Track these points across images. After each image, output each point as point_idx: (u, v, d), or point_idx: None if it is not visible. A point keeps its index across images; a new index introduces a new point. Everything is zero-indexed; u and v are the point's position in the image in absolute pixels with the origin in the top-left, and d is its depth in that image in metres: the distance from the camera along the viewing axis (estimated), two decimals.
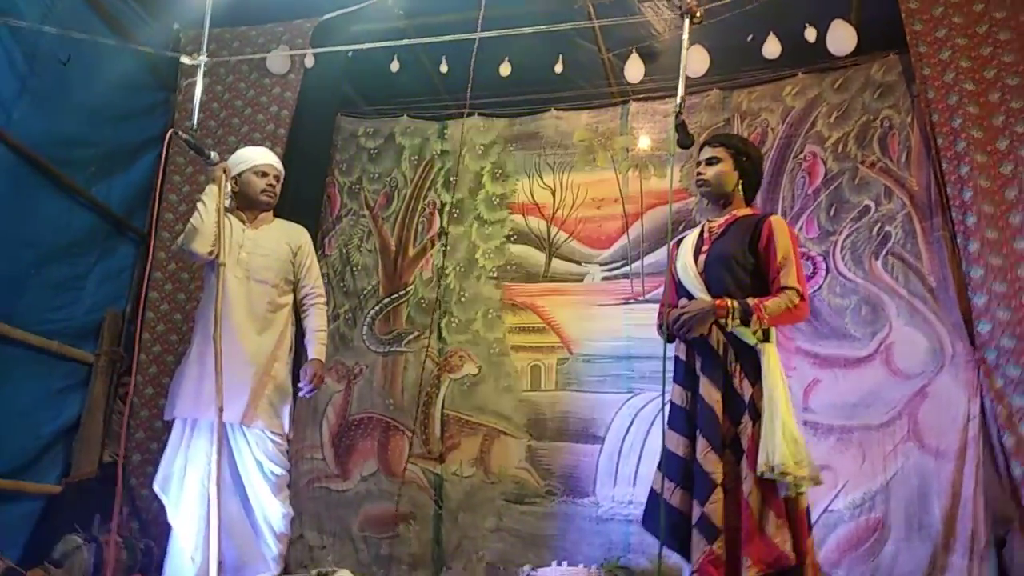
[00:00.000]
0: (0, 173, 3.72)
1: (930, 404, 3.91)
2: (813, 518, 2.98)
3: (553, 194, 5.04)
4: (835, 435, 4.06)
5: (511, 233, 5.03)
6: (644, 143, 4.92)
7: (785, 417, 2.50)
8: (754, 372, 2.61)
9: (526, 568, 4.03)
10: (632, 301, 4.71)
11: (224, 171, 3.23)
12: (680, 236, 2.98)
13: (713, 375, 2.64)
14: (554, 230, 4.97)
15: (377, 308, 5.09)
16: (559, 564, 4.00)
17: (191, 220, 3.21)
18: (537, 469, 4.58)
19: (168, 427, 4.16)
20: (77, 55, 4.04)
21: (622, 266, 4.80)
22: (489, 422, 4.72)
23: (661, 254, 4.70)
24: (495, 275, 4.99)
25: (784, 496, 2.50)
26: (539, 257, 4.96)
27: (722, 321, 2.63)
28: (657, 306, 4.32)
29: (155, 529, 4.12)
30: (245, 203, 3.39)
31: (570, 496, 4.48)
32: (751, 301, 2.62)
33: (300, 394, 3.33)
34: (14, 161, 3.81)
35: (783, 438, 2.45)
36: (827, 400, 4.12)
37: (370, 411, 4.92)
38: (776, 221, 2.77)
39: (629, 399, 4.55)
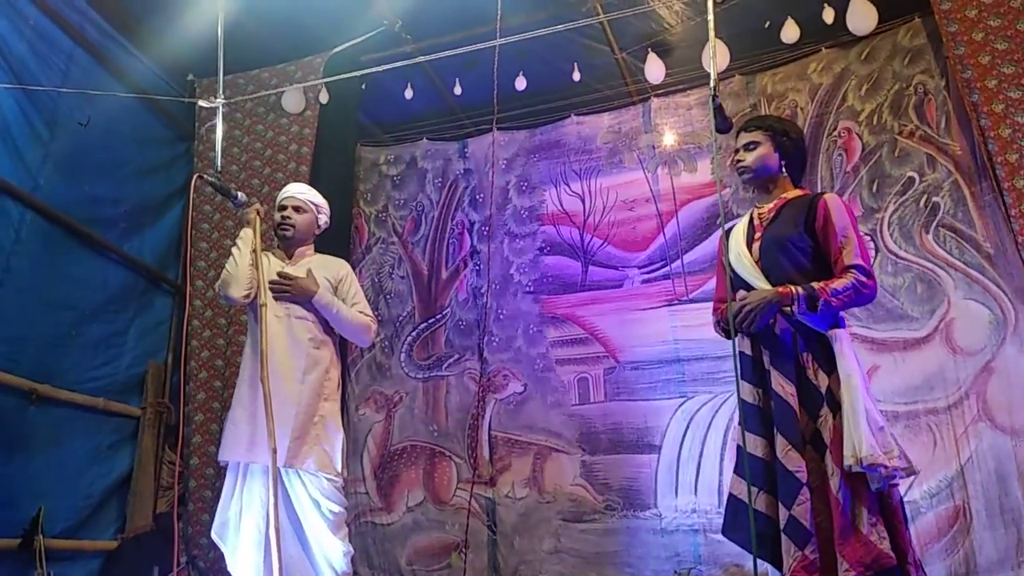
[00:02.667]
0: (33, 238, 3.80)
1: (998, 380, 3.72)
2: None
3: (582, 201, 4.94)
4: (902, 422, 3.86)
5: (544, 245, 4.94)
6: (670, 139, 4.81)
7: (867, 404, 2.35)
8: (827, 360, 2.46)
9: None
10: (676, 302, 4.57)
11: (257, 213, 3.23)
12: (728, 226, 2.81)
13: (784, 368, 2.49)
14: (587, 237, 4.87)
15: (414, 334, 5.04)
16: None
17: (226, 266, 3.20)
18: (593, 484, 4.45)
19: (221, 474, 4.20)
20: (95, 116, 4.11)
21: (662, 267, 4.66)
22: (539, 440, 4.61)
23: (701, 251, 4.58)
24: (532, 289, 4.90)
25: (876, 489, 2.34)
26: (575, 266, 4.86)
27: (787, 309, 2.48)
28: (704, 304, 4.27)
29: None
30: (279, 241, 3.39)
31: (631, 510, 4.35)
32: (816, 285, 2.47)
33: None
34: (45, 225, 3.89)
35: (868, 427, 2.30)
36: (889, 386, 3.93)
37: (413, 439, 4.85)
38: (831, 199, 2.63)
39: (682, 403, 4.40)
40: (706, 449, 4.27)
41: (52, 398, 3.82)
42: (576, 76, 4.76)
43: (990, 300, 3.82)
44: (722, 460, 4.23)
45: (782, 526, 2.37)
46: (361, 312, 3.34)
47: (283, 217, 3.33)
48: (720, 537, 3.98)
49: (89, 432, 4.09)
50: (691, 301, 4.52)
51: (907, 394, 3.88)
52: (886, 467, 2.28)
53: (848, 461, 2.30)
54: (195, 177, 3.34)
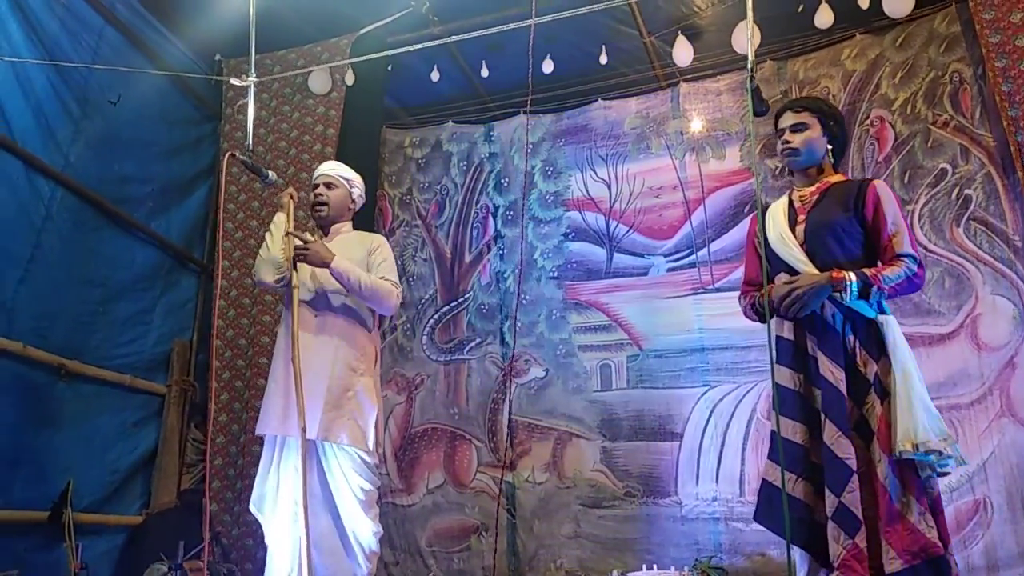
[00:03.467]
0: (62, 215, 3.84)
1: (1021, 375, 3.68)
2: None
3: (608, 187, 4.90)
4: None
5: (568, 231, 4.91)
6: (698, 125, 4.75)
7: (921, 390, 2.33)
8: (876, 347, 2.42)
9: (614, 574, 3.91)
10: (701, 291, 4.54)
11: (290, 196, 3.24)
12: (763, 208, 2.74)
13: (833, 353, 2.44)
14: (613, 224, 4.83)
15: (436, 317, 5.04)
16: (648, 568, 3.84)
17: (259, 251, 3.23)
18: (614, 471, 4.44)
19: (243, 452, 4.24)
20: (125, 95, 4.14)
21: (688, 255, 4.63)
22: (560, 425, 4.61)
23: (728, 239, 4.53)
24: (555, 275, 4.87)
25: (925, 477, 2.31)
26: (600, 253, 4.83)
27: (837, 295, 2.44)
28: (731, 294, 4.21)
29: (236, 554, 4.17)
30: (316, 221, 3.40)
31: (650, 497, 4.34)
32: (868, 272, 2.43)
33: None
34: (75, 203, 3.92)
35: (923, 413, 2.28)
36: None
37: (434, 422, 4.86)
38: (881, 186, 2.58)
39: (705, 392, 4.39)
40: (728, 438, 4.26)
41: (80, 374, 3.88)
42: (603, 60, 4.69)
43: (1015, 295, 3.77)
44: (744, 449, 4.22)
45: (830, 514, 2.32)
46: (383, 278, 3.25)
47: (316, 195, 3.34)
48: (742, 526, 4.04)
49: (115, 408, 4.14)
50: (717, 290, 4.48)
51: (931, 389, 3.68)
52: (941, 453, 2.26)
53: (903, 446, 2.26)
54: (227, 155, 3.33)
